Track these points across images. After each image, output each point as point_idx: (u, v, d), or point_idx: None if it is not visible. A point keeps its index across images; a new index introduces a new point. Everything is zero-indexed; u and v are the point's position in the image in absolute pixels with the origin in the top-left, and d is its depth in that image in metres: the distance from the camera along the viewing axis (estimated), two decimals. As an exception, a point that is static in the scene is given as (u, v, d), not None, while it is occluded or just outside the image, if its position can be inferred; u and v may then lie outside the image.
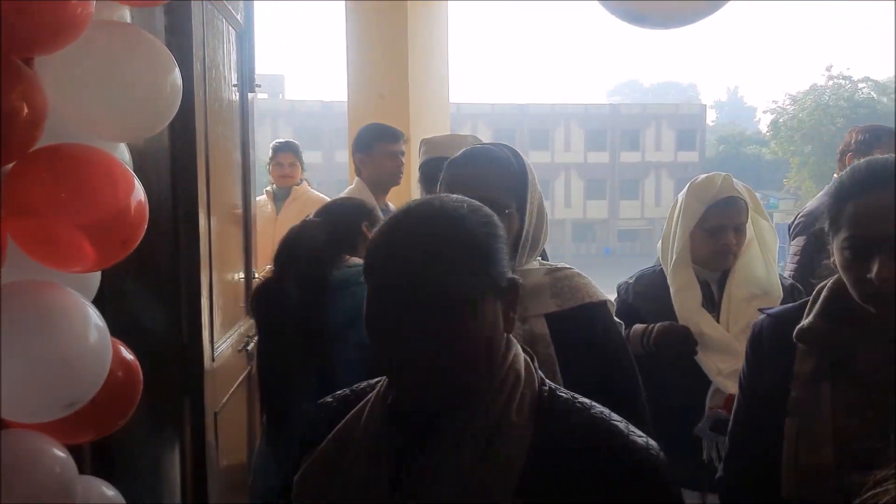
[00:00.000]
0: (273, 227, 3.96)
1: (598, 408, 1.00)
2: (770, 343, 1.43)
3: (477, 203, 1.03)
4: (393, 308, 0.93)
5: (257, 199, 4.29)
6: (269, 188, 4.29)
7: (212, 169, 2.30)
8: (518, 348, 1.03)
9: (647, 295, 2.18)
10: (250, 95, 2.89)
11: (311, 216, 2.14)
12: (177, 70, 1.53)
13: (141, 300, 1.98)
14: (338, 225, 2.02)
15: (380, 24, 4.18)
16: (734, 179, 2.15)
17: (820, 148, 30.36)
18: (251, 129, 2.96)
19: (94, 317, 1.44)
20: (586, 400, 1.02)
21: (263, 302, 2.00)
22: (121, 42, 1.45)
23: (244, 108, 2.84)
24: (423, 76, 4.32)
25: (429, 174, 2.29)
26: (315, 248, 1.94)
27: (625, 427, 0.97)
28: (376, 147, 3.17)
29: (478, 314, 0.93)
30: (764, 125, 43.98)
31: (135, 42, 1.47)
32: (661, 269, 2.23)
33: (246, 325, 2.88)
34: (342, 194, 3.09)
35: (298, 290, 1.90)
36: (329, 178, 32.33)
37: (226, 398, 2.53)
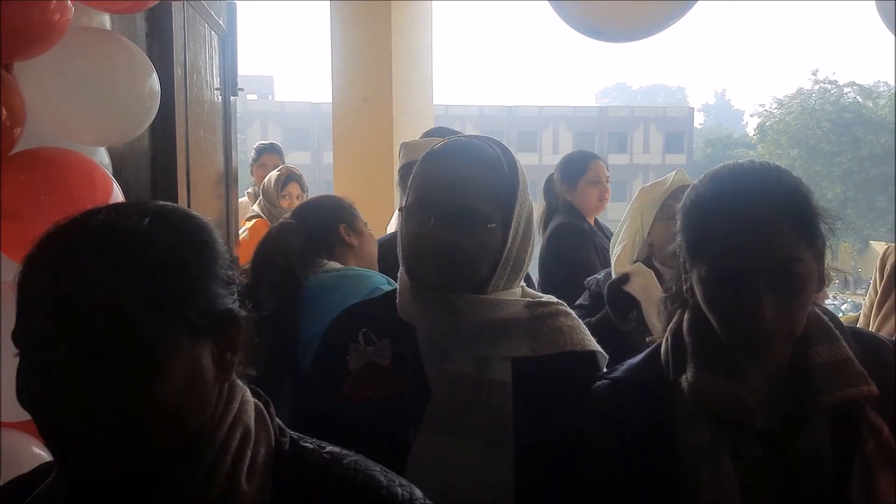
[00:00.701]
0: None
1: (352, 457, 0.84)
2: (628, 415, 1.10)
3: (179, 210, 0.81)
4: (40, 361, 0.70)
5: (239, 200, 4.30)
6: (250, 189, 4.30)
7: (193, 171, 2.32)
8: (246, 394, 0.84)
9: None
10: (233, 98, 2.91)
11: (287, 217, 2.09)
12: (154, 75, 1.56)
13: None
14: (314, 228, 1.96)
15: (364, 27, 4.20)
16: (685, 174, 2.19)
17: (806, 151, 30.61)
18: (234, 131, 2.98)
19: None
20: (336, 449, 0.85)
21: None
22: (99, 48, 1.48)
23: (227, 111, 2.86)
24: (407, 79, 4.34)
25: (407, 177, 2.29)
26: (291, 252, 1.90)
27: (384, 477, 0.82)
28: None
29: (160, 365, 0.71)
30: (751, 128, 44.33)
31: (113, 48, 1.50)
32: None
33: (228, 326, 2.90)
34: None
35: (274, 295, 1.85)
36: (318, 179, 32.29)
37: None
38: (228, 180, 2.96)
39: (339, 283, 1.83)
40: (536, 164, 42.59)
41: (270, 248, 1.97)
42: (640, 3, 1.72)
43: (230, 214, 2.99)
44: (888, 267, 1.91)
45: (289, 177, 3.81)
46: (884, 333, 1.85)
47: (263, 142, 4.47)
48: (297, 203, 3.67)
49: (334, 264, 1.91)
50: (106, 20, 1.59)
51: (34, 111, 1.43)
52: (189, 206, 2.30)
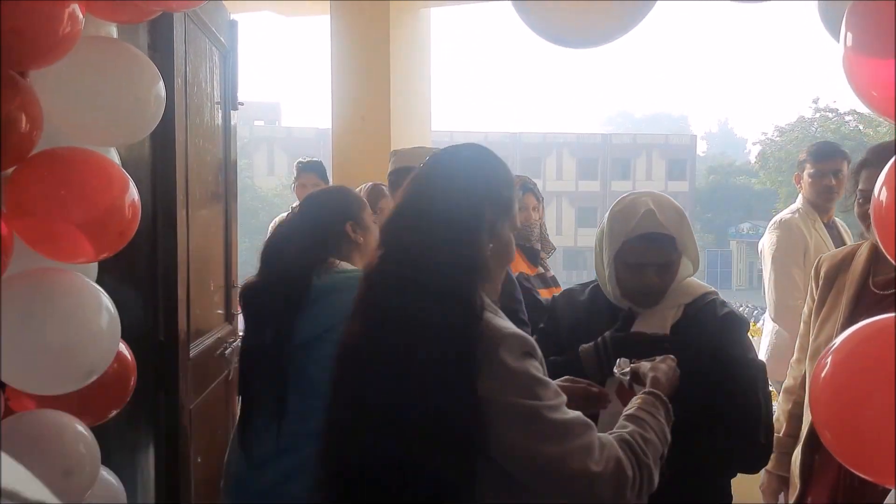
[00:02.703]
0: None
1: None
2: None
3: None
4: None
5: (281, 216, 4.44)
6: (294, 205, 4.41)
7: (191, 179, 2.44)
8: None
9: (567, 309, 1.97)
10: (233, 113, 3.04)
11: (294, 210, 2.05)
12: (161, 82, 1.69)
13: (120, 298, 2.11)
14: (320, 226, 1.95)
15: (362, 44, 4.33)
16: (659, 210, 1.79)
17: (807, 179, 30.68)
18: (234, 146, 3.10)
19: (105, 299, 1.61)
20: None
21: (248, 300, 2.02)
22: (109, 55, 1.62)
23: (227, 125, 2.98)
24: (405, 97, 4.46)
25: (395, 183, 2.40)
26: (297, 251, 1.91)
27: None
28: (806, 167, 3.18)
29: None
30: (753, 156, 44.48)
31: (122, 55, 1.63)
32: (593, 285, 1.97)
33: (223, 331, 3.00)
34: None
35: (278, 293, 1.88)
36: (322, 203, 32.38)
37: (201, 398, 2.65)
38: (228, 194, 3.07)
39: (346, 285, 1.83)
40: (540, 190, 42.88)
41: (278, 246, 1.99)
42: (600, 10, 1.82)
43: (229, 227, 3.10)
44: (821, 275, 1.97)
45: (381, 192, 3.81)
46: (822, 339, 1.88)
47: (303, 159, 4.50)
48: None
49: (345, 265, 1.93)
50: (113, 31, 1.73)
51: (49, 115, 1.57)
52: (187, 215, 2.42)
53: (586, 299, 1.94)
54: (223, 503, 2.00)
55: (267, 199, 30.81)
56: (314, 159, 4.51)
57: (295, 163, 4.48)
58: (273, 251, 2.00)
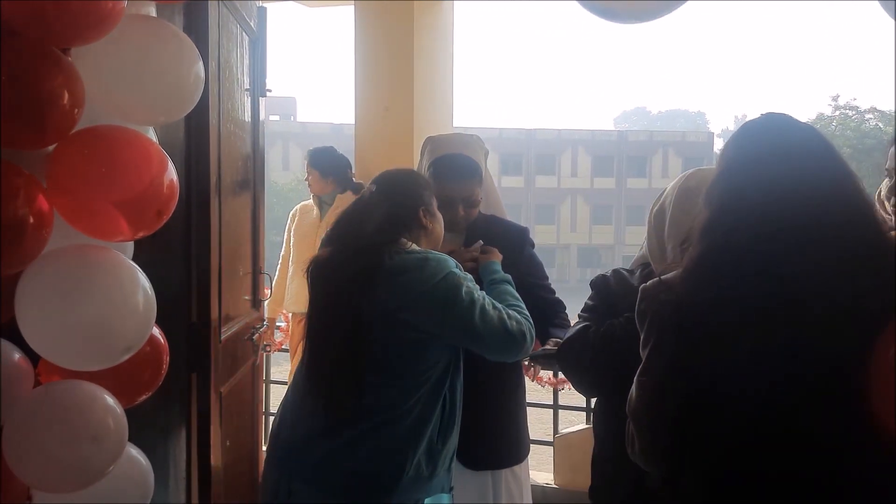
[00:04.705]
0: (316, 231, 4.19)
1: None
2: None
3: None
4: None
5: (304, 203, 4.49)
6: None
7: (223, 162, 2.45)
8: None
9: (621, 289, 1.94)
10: (261, 100, 3.05)
11: (371, 189, 2.07)
12: (200, 62, 1.70)
13: (154, 279, 2.12)
14: (396, 206, 2.00)
15: (386, 34, 4.34)
16: None
17: (826, 177, 30.40)
18: (261, 132, 3.12)
19: (142, 276, 1.62)
20: None
21: (319, 273, 2.02)
22: (150, 34, 1.62)
23: (255, 111, 2.99)
24: (427, 88, 4.47)
25: (444, 168, 2.32)
26: (373, 229, 1.95)
27: None
28: None
29: None
30: (771, 154, 44.08)
31: (163, 34, 1.64)
32: (643, 269, 1.96)
33: (251, 317, 3.02)
34: None
35: (350, 268, 1.90)
36: (337, 199, 32.47)
37: (230, 382, 2.66)
38: (256, 181, 3.09)
39: (419, 265, 1.88)
40: (555, 188, 42.73)
41: (352, 223, 2.01)
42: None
43: (256, 214, 3.11)
44: None
45: None
46: None
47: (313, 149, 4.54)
48: None
49: (414, 246, 1.97)
50: (153, 10, 1.74)
51: (89, 93, 1.57)
52: (219, 199, 2.43)
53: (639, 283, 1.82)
54: (268, 472, 2.00)
55: (282, 194, 30.93)
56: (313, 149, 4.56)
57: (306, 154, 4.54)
58: (347, 227, 2.02)
